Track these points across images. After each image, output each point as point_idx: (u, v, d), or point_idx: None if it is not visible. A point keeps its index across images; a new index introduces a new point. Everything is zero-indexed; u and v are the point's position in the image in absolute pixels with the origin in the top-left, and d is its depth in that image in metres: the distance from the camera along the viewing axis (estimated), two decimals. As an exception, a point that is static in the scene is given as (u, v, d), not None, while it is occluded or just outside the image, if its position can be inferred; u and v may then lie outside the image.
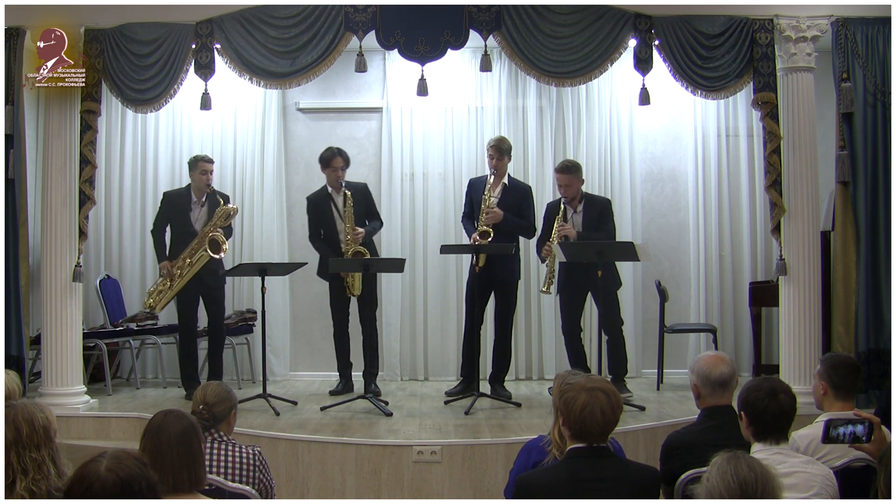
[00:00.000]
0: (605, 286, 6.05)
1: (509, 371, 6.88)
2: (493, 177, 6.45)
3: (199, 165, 6.62)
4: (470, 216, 6.60)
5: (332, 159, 6.51)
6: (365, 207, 6.64)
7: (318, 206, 6.63)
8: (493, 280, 6.40)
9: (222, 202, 6.61)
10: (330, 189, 6.58)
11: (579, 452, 2.73)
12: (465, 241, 6.70)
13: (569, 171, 6.34)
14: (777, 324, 6.39)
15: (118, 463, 2.04)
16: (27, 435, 2.61)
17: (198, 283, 6.57)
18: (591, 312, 7.01)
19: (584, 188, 6.52)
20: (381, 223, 6.86)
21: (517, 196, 6.50)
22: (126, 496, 2.00)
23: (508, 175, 6.55)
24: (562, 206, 6.38)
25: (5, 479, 2.55)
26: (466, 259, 6.70)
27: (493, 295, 6.54)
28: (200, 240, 6.54)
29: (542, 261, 6.45)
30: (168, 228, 6.71)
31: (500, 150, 6.43)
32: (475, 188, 6.61)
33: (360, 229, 6.47)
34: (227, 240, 6.68)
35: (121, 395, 6.70)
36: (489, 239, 6.28)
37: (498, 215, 6.32)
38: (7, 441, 2.59)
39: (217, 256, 6.53)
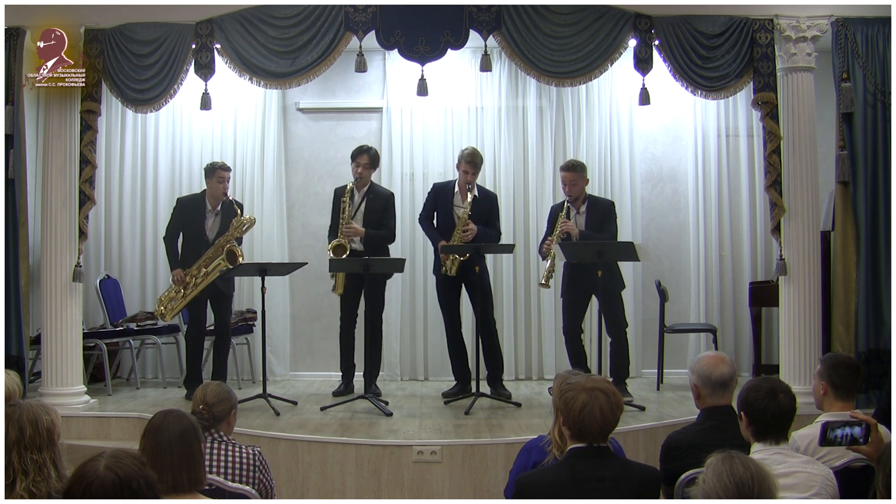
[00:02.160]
0: (608, 288, 6.05)
1: (508, 371, 6.87)
2: (469, 193, 6.38)
3: (217, 174, 6.49)
4: (429, 219, 6.60)
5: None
6: (379, 214, 6.57)
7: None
8: (464, 282, 6.43)
9: (239, 212, 6.53)
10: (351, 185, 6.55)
11: (579, 452, 2.73)
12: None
13: (574, 170, 6.34)
14: (777, 324, 6.39)
15: (117, 462, 2.04)
16: (30, 436, 2.61)
17: (210, 286, 6.52)
18: (591, 314, 7.00)
19: (586, 188, 6.52)
20: (389, 234, 6.64)
21: (486, 205, 6.51)
22: (125, 495, 2.00)
23: (476, 185, 6.53)
24: (566, 206, 6.39)
25: (5, 479, 2.55)
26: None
27: (468, 297, 6.56)
28: (216, 250, 6.46)
29: (543, 258, 6.46)
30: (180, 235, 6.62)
31: (475, 166, 6.39)
32: (440, 195, 6.55)
33: (355, 225, 6.46)
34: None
35: (121, 395, 6.70)
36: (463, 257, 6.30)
37: (475, 232, 6.33)
38: (10, 440, 2.60)
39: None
